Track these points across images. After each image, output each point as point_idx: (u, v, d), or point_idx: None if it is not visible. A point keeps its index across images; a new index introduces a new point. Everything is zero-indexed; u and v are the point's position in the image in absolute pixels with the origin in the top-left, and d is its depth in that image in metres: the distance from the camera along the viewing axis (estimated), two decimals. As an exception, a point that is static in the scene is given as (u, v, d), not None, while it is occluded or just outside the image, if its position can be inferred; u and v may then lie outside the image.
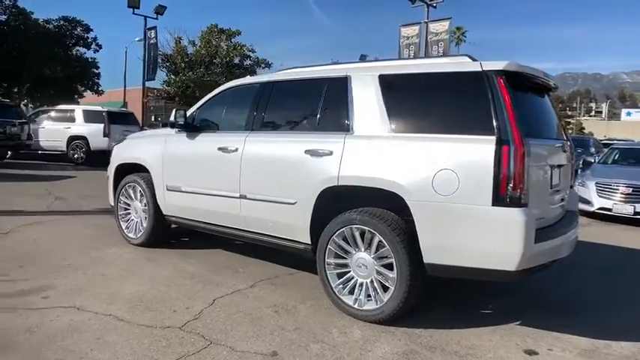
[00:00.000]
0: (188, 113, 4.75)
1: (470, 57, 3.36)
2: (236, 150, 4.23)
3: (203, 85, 26.22)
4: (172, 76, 26.89)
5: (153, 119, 26.91)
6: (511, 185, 2.90)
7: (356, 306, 3.49)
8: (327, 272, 3.65)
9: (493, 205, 2.92)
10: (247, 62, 29.21)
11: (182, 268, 4.58)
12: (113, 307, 3.52)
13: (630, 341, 3.34)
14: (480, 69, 3.15)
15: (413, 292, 3.27)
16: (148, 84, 25.33)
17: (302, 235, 3.83)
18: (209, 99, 4.82)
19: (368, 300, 3.46)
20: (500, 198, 2.91)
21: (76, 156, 15.36)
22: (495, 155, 2.91)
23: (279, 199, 3.91)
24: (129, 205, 5.43)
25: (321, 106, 3.85)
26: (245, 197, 4.16)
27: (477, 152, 2.99)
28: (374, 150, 3.43)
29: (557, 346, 3.23)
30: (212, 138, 4.60)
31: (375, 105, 3.51)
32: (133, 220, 5.40)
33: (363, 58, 40.10)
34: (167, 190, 4.87)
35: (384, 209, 3.43)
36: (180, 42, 27.63)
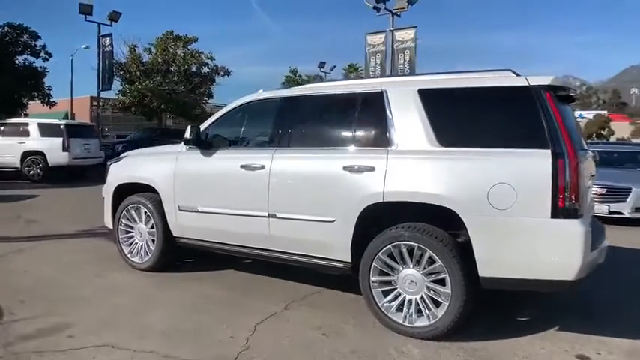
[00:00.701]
0: (200, 130, 4.53)
1: (513, 72, 3.41)
2: (262, 167, 4.07)
3: (161, 94, 25.39)
4: (128, 85, 25.85)
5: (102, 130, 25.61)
6: (568, 197, 2.95)
7: (406, 323, 3.44)
8: (373, 290, 3.57)
9: (552, 217, 2.97)
10: (205, 70, 28.58)
11: (202, 292, 4.36)
12: (151, 342, 3.28)
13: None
14: (527, 84, 3.20)
15: (467, 307, 3.26)
16: (103, 94, 24.25)
17: (341, 253, 3.73)
18: (223, 115, 4.62)
19: (419, 316, 3.42)
20: (559, 210, 2.96)
21: (32, 173, 14.37)
22: (552, 168, 2.96)
23: (315, 217, 3.80)
24: (132, 227, 5.11)
25: (357, 121, 3.79)
26: (274, 216, 4.01)
27: (533, 166, 3.03)
28: (422, 165, 3.40)
29: (603, 349, 3.32)
30: (232, 155, 4.42)
31: (418, 119, 3.49)
32: (137, 243, 5.09)
33: (321, 65, 40.39)
34: (180, 210, 4.63)
35: (429, 224, 3.41)
36: (135, 50, 26.63)
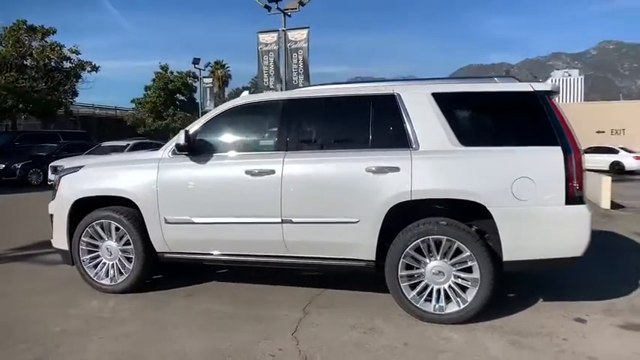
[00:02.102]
0: (184, 135, 4.17)
1: (516, 79, 3.85)
2: (272, 172, 3.96)
3: (17, 92, 22.03)
4: (-26, 83, 21.86)
5: None
6: (577, 186, 3.47)
7: (437, 311, 3.68)
8: (402, 285, 3.75)
9: (566, 204, 3.46)
10: (68, 65, 25.47)
11: (208, 309, 4.08)
12: (200, 368, 3.02)
13: (627, 294, 4.29)
14: (531, 89, 3.66)
15: (494, 289, 3.62)
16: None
17: (366, 252, 3.83)
18: (213, 118, 4.33)
19: (448, 303, 3.69)
20: (571, 198, 3.46)
21: None
22: (565, 163, 3.45)
23: (337, 219, 3.83)
24: (96, 246, 4.52)
25: (372, 123, 3.89)
26: (290, 221, 3.93)
27: (549, 161, 3.49)
28: (448, 163, 3.66)
29: (591, 311, 3.94)
30: (232, 161, 4.19)
31: (437, 121, 3.74)
32: (104, 263, 4.52)
33: (196, 61, 38.82)
34: (167, 223, 4.24)
35: (451, 218, 3.70)
36: (-21, 42, 22.64)
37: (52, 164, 14.56)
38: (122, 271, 4.46)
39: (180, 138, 4.09)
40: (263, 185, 3.98)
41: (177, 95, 42.59)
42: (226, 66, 57.12)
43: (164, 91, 40.56)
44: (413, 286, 3.76)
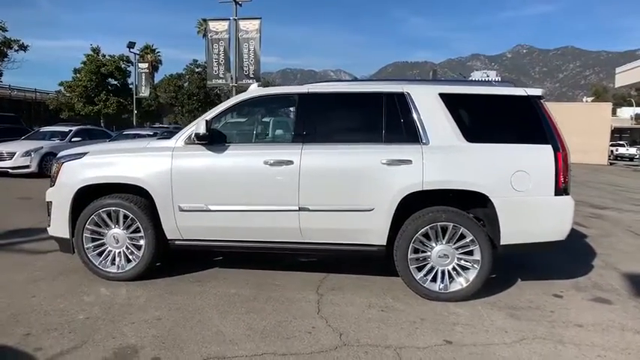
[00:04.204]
0: (204, 125, 4.27)
1: (514, 84, 4.34)
2: (290, 162, 4.17)
3: None
4: None
5: None
6: (563, 180, 4.03)
7: (441, 290, 4.11)
8: (411, 267, 4.14)
9: (555, 195, 4.01)
10: (-8, 42, 23.37)
11: (226, 292, 4.24)
12: (250, 346, 3.22)
13: (586, 274, 5.00)
14: (525, 94, 4.17)
15: (491, 270, 4.11)
16: None
17: (378, 238, 4.17)
18: (228, 109, 4.44)
19: (451, 282, 4.13)
20: (558, 190, 4.02)
21: None
22: (555, 159, 4.00)
23: (353, 207, 4.13)
24: (101, 234, 4.49)
25: (385, 119, 4.22)
26: (307, 209, 4.17)
27: (541, 157, 4.01)
28: (456, 157, 4.07)
29: (563, 288, 4.58)
30: (248, 151, 4.33)
31: (444, 119, 4.15)
32: (110, 251, 4.50)
33: (131, 45, 37.01)
34: (181, 211, 4.32)
35: (454, 207, 4.15)
36: None
37: (-14, 149, 13.46)
38: (130, 258, 4.47)
39: (200, 127, 4.17)
40: (281, 175, 4.19)
41: (110, 80, 40.36)
42: (157, 51, 55.00)
43: (96, 74, 38.29)
44: (420, 268, 4.17)
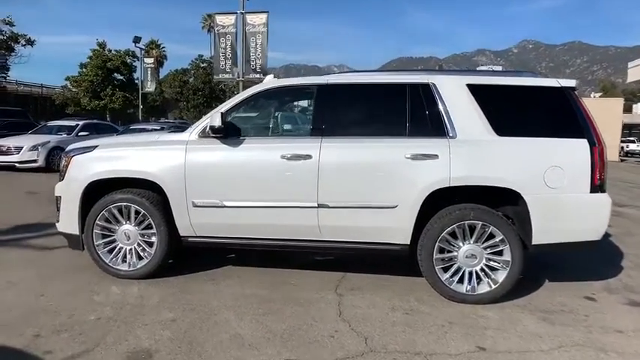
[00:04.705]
0: (219, 117, 4.06)
1: (541, 74, 4.11)
2: (309, 157, 3.97)
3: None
4: None
5: None
6: (599, 176, 3.81)
7: (468, 292, 3.91)
8: (436, 267, 3.93)
9: (590, 192, 3.79)
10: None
11: (241, 293, 4.05)
12: (267, 351, 3.03)
13: (615, 275, 4.77)
14: (558, 85, 3.94)
15: (521, 270, 3.90)
16: None
17: (402, 236, 3.97)
18: (243, 101, 4.24)
19: (479, 284, 3.92)
20: (594, 187, 3.79)
21: None
22: (591, 154, 3.77)
23: (375, 204, 3.92)
24: (112, 230, 4.32)
25: (408, 111, 4.01)
26: (326, 206, 3.98)
27: (576, 152, 3.79)
28: (486, 152, 3.86)
29: (594, 290, 4.35)
30: (265, 145, 4.15)
31: (473, 111, 3.93)
32: (121, 248, 4.33)
33: (137, 40, 36.86)
34: (195, 207, 4.13)
35: (480, 204, 3.93)
36: None
37: (-7, 143, 13.33)
38: (142, 255, 4.30)
39: (215, 120, 3.97)
40: (299, 170, 3.99)
41: (116, 74, 40.22)
42: (162, 46, 54.86)
43: (102, 69, 38.15)
44: (445, 269, 3.96)
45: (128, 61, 40.74)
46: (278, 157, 4.01)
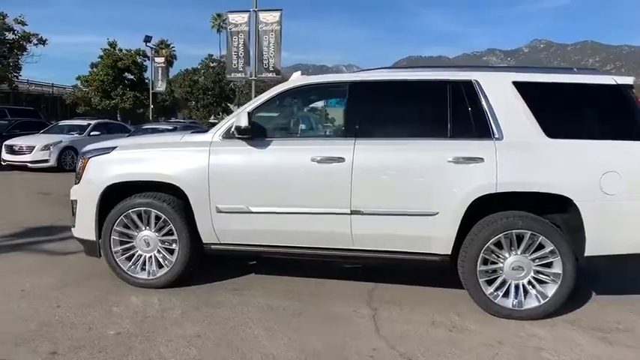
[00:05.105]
0: (246, 117, 3.79)
1: (597, 71, 3.80)
2: (341, 160, 3.69)
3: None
4: None
5: None
6: (660, 182, 3.49)
7: (515, 307, 3.60)
8: (480, 280, 3.63)
9: (651, 199, 3.47)
10: (11, 36, 23.18)
11: (267, 305, 3.78)
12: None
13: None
14: (615, 82, 3.62)
15: (572, 285, 3.59)
16: None
17: (442, 246, 3.68)
18: (270, 100, 3.97)
19: (526, 299, 3.62)
20: (655, 193, 3.48)
21: None
22: (652, 158, 3.46)
23: (413, 211, 3.64)
24: (131, 236, 4.07)
25: (450, 110, 3.71)
26: (360, 212, 3.70)
27: (635, 155, 3.48)
28: (534, 155, 3.55)
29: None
30: (294, 147, 3.88)
31: (521, 111, 3.63)
32: (141, 255, 4.08)
33: (147, 39, 36.84)
34: (219, 212, 3.87)
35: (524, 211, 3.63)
36: None
37: (6, 143, 13.22)
38: (162, 263, 4.05)
39: (241, 120, 3.71)
40: (331, 173, 3.72)
41: (126, 74, 40.22)
42: (171, 46, 54.93)
43: (113, 69, 38.16)
44: (490, 282, 3.66)
45: (139, 60, 40.73)
46: (308, 159, 3.74)
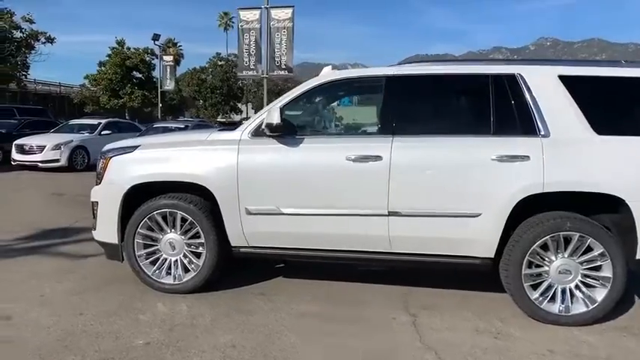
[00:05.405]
0: (277, 113, 3.61)
1: (649, 63, 3.59)
2: (378, 158, 3.51)
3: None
4: None
5: None
6: None
7: (561, 312, 3.41)
8: (525, 284, 3.44)
9: None
10: (19, 34, 23.15)
11: (301, 310, 3.63)
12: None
13: None
14: (672, 75, 3.41)
15: (623, 290, 3.39)
16: None
17: (485, 249, 3.49)
18: (301, 96, 3.80)
19: (573, 304, 3.43)
20: None
21: None
22: None
23: (455, 212, 3.45)
24: (155, 239, 3.92)
25: (492, 106, 3.52)
26: (398, 214, 3.52)
27: (691, 153, 3.27)
28: (583, 153, 3.36)
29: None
30: (328, 145, 3.71)
31: (568, 106, 3.43)
32: (166, 259, 3.92)
33: (156, 37, 36.74)
34: (249, 214, 3.71)
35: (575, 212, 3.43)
36: None
37: (16, 142, 13.13)
38: (188, 267, 3.89)
39: (272, 117, 3.53)
40: (367, 173, 3.54)
41: (135, 73, 40.19)
42: (178, 45, 54.91)
43: (121, 67, 38.13)
44: (535, 286, 3.47)
45: (147, 59, 40.67)
46: (343, 158, 3.56)
